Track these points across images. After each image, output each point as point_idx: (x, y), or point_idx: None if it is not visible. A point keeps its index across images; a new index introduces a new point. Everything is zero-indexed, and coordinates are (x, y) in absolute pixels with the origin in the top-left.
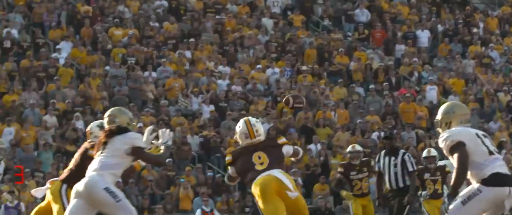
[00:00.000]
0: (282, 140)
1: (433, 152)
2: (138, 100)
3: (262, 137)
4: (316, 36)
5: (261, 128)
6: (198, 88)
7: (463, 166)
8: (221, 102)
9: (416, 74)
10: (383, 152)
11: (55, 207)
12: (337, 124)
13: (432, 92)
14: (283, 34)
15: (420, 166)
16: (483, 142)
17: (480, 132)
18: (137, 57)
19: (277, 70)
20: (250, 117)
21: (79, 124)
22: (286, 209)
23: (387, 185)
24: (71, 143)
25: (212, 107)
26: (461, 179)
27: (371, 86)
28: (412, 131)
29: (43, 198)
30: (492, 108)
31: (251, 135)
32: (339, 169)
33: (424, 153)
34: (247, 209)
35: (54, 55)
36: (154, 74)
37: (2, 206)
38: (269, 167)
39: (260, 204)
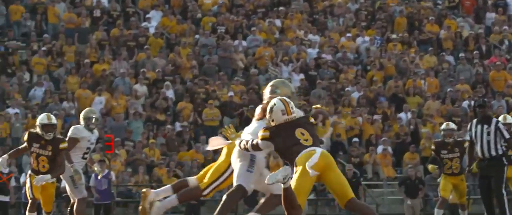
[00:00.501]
0: (312, 120)
1: (509, 119)
2: (227, 69)
3: (296, 115)
4: (406, 4)
5: (295, 107)
6: (288, 56)
7: None
8: (310, 70)
9: (506, 42)
10: (475, 120)
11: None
12: (427, 92)
13: None
14: (373, 2)
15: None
16: None
17: None
18: (227, 26)
19: (367, 38)
20: (283, 97)
21: (169, 93)
22: (331, 187)
23: (479, 154)
24: (161, 112)
25: (301, 76)
26: None
27: (461, 54)
28: (503, 100)
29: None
30: None
31: (288, 112)
32: (432, 147)
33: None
34: None
35: (144, 24)
36: (244, 43)
37: (93, 175)
38: (313, 144)
39: (296, 174)
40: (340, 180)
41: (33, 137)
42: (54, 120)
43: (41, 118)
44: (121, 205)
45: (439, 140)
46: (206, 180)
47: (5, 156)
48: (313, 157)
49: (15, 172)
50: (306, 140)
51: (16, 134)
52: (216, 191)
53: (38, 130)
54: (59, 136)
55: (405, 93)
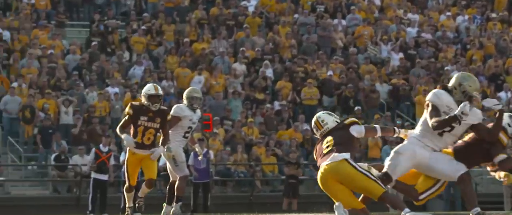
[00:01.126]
0: (349, 119)
1: None
2: (327, 48)
3: (329, 125)
4: None
5: (327, 118)
6: (387, 35)
7: None
8: (410, 49)
9: None
10: None
11: None
12: None
13: None
14: None
15: None
16: None
17: None
18: (326, 4)
19: (466, 17)
20: (319, 113)
21: (268, 72)
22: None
23: None
24: (260, 91)
25: (401, 55)
26: None
27: None
28: None
29: None
30: None
31: (319, 127)
32: None
33: None
34: None
35: (243, 3)
36: (343, 22)
37: (192, 154)
38: (333, 150)
39: None
40: (351, 188)
41: (139, 110)
42: (160, 90)
43: (148, 88)
44: (219, 183)
45: None
46: (420, 184)
47: (125, 135)
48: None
49: (115, 151)
50: (328, 146)
51: (116, 113)
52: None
53: (143, 101)
54: (163, 107)
55: (505, 72)
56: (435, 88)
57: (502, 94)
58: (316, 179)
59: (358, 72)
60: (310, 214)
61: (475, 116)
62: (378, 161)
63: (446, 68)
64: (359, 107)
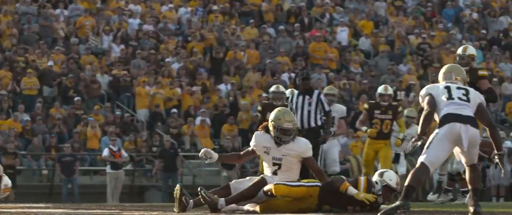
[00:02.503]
0: None
1: (390, 90)
2: (48, 38)
3: None
4: None
5: None
6: (109, 26)
7: (426, 108)
8: (131, 41)
9: (327, 15)
10: (296, 92)
11: None
12: (247, 64)
13: (343, 34)
14: None
15: (371, 101)
16: (449, 91)
17: (453, 85)
18: None
19: (189, 9)
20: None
21: None
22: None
23: (299, 125)
24: None
25: (122, 46)
26: (424, 121)
27: (282, 26)
28: (322, 73)
29: None
30: (402, 51)
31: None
32: (258, 108)
33: (380, 89)
34: (154, 149)
35: None
36: (65, 12)
37: None
38: None
39: None
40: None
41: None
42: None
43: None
44: None
45: (266, 102)
46: None
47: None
48: None
49: None
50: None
51: None
52: None
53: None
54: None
55: (226, 65)
56: (155, 79)
57: (222, 86)
58: (34, 169)
59: (79, 62)
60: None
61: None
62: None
63: (167, 60)
64: (79, 98)
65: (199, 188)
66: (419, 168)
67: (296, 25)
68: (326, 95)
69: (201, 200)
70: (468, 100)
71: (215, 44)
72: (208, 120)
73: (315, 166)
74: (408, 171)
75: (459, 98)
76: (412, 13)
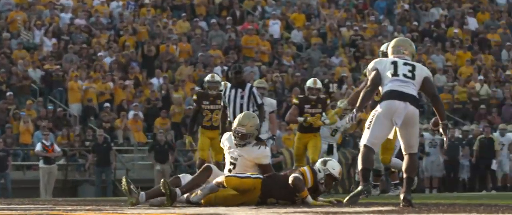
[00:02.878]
0: None
1: (319, 84)
2: None
3: None
4: None
5: None
6: (41, 20)
7: (369, 84)
8: (63, 35)
9: (259, 8)
10: (229, 85)
11: None
12: (180, 58)
13: (275, 27)
14: None
15: (300, 96)
16: (395, 67)
17: (401, 61)
18: None
19: (120, 3)
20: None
21: None
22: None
23: (231, 118)
24: None
25: (54, 40)
26: (364, 98)
27: (214, 20)
28: (255, 66)
29: None
30: (334, 43)
31: None
32: (194, 97)
33: (309, 83)
34: (87, 143)
35: None
36: None
37: None
38: None
39: None
40: None
41: None
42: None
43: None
44: None
45: (202, 91)
46: None
47: None
48: None
49: None
50: None
51: None
52: None
53: None
54: None
55: (160, 58)
56: (88, 74)
57: (154, 80)
58: None
59: (10, 57)
60: None
61: None
62: None
63: (99, 54)
64: (11, 93)
65: (163, 180)
66: (364, 150)
67: (228, 18)
68: (257, 88)
69: (162, 189)
70: (413, 77)
71: (147, 38)
72: (140, 114)
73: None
74: (340, 163)
75: (404, 75)
76: (344, 6)
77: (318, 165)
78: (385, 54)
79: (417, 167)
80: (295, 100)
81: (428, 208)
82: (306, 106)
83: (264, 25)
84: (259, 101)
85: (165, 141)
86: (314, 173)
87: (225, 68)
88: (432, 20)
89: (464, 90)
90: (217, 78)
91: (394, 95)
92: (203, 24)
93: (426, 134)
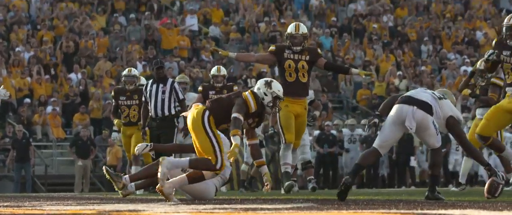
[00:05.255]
0: None
1: (223, 71)
2: None
3: None
4: None
5: None
6: None
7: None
8: None
9: (177, 3)
10: (151, 80)
11: None
12: (98, 53)
13: (193, 21)
14: None
15: (205, 83)
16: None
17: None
18: None
19: None
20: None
21: None
22: None
23: (152, 113)
24: None
25: None
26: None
27: (132, 15)
28: (173, 61)
29: None
30: (253, 38)
31: None
32: (112, 93)
33: (213, 71)
34: (7, 139)
35: None
36: None
37: None
38: None
39: None
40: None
41: None
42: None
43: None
44: None
45: (119, 86)
46: None
47: None
48: None
49: None
50: None
51: None
52: None
53: None
54: None
55: (79, 53)
56: (7, 69)
57: (72, 75)
58: None
59: None
60: None
61: None
62: None
63: (17, 49)
64: None
65: (104, 167)
66: (369, 150)
67: (147, 13)
68: (179, 84)
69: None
70: (440, 98)
71: (66, 33)
72: (59, 109)
73: None
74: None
75: (433, 93)
76: (264, 1)
77: (262, 88)
78: (294, 37)
79: (440, 163)
80: (200, 88)
81: (347, 204)
82: (211, 93)
83: (183, 20)
84: (181, 96)
85: (88, 137)
86: (255, 96)
87: (144, 63)
88: (350, 16)
89: (383, 85)
90: (134, 72)
91: (403, 99)
92: (121, 19)
93: (344, 130)
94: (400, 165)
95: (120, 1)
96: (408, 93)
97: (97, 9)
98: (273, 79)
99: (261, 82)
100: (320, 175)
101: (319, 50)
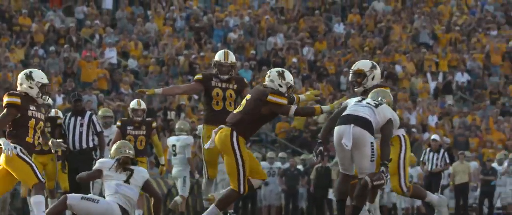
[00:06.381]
0: None
1: (143, 105)
2: None
3: None
4: None
5: None
6: None
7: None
8: None
9: (97, 36)
10: (69, 113)
11: None
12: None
13: (112, 54)
14: None
15: (123, 118)
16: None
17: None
18: None
19: None
20: None
21: None
22: None
23: (70, 146)
24: None
25: None
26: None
27: (52, 47)
28: (93, 94)
29: None
30: (173, 71)
31: None
32: None
33: (132, 104)
34: None
35: None
36: None
37: None
38: None
39: None
40: None
41: None
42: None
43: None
44: None
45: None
46: None
47: None
48: None
49: None
50: None
51: None
52: None
53: None
54: None
55: None
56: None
57: None
58: None
59: None
60: None
61: None
62: None
63: None
64: None
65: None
66: (338, 180)
67: (66, 46)
68: (104, 117)
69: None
70: (375, 106)
71: None
72: None
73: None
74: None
75: (368, 103)
76: (183, 34)
77: (277, 80)
78: (222, 65)
79: (366, 195)
80: (118, 123)
81: None
82: (129, 128)
83: (102, 53)
84: (99, 129)
85: None
86: (279, 94)
87: (63, 95)
88: (269, 49)
89: (301, 118)
90: (49, 101)
91: (341, 121)
92: (41, 51)
93: (263, 163)
94: (318, 198)
95: (39, 34)
96: (346, 112)
97: (16, 41)
98: (284, 69)
99: (273, 74)
100: (239, 208)
101: (245, 80)
